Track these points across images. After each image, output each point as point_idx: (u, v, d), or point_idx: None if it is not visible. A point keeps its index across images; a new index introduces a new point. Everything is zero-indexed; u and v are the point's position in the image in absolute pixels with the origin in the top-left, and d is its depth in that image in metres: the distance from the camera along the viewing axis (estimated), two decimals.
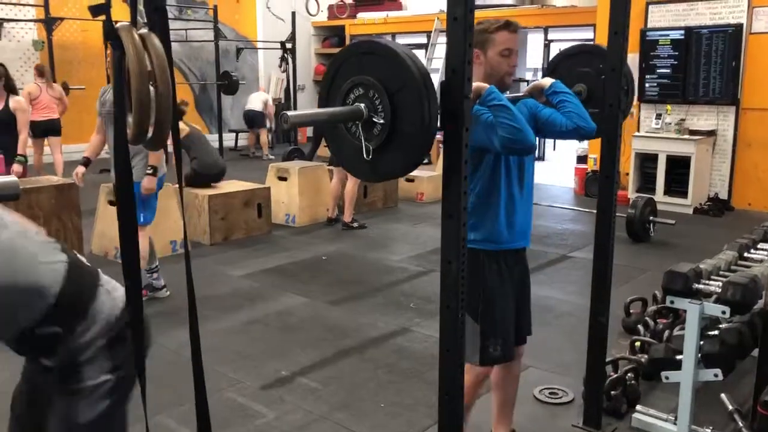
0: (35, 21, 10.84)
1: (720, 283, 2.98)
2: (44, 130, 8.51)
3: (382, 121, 1.83)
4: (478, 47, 2.51)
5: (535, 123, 2.64)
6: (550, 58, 12.48)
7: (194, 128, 6.82)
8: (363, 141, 1.84)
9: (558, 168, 11.75)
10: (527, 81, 13.02)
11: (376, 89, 1.83)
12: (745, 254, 3.64)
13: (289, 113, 1.68)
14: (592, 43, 3.20)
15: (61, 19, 10.43)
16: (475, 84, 2.32)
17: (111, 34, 1.26)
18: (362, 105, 1.86)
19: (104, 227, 6.02)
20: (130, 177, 1.50)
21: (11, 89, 6.09)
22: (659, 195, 8.00)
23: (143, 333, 1.62)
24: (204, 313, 2.02)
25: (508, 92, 2.68)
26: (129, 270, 1.54)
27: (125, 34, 1.27)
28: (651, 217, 6.69)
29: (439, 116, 1.91)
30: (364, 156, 1.86)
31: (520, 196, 2.63)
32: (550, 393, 3.50)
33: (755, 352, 3.10)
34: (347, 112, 1.87)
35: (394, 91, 1.83)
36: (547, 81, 2.71)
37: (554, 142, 14.40)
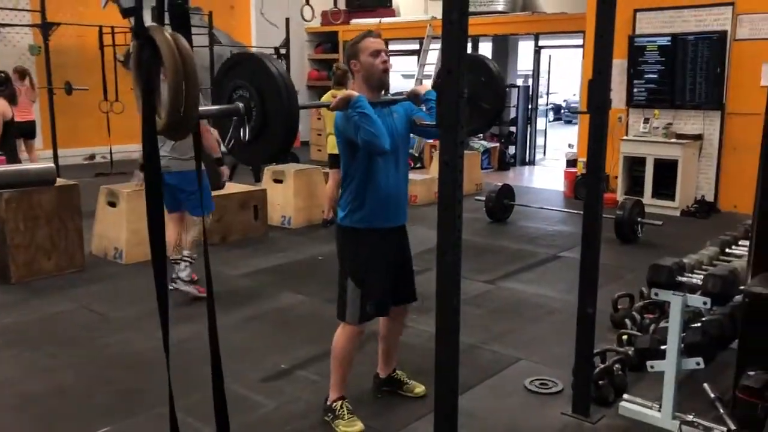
0: (31, 26, 10.91)
1: (702, 276, 3.13)
2: (22, 131, 8.69)
3: (247, 135, 2.17)
4: (353, 58, 3.04)
5: (409, 121, 3.18)
6: (541, 63, 12.64)
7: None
8: (230, 132, 2.20)
9: (548, 172, 11.94)
10: (518, 87, 13.22)
11: (255, 101, 2.15)
12: (727, 250, 3.80)
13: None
14: (476, 53, 3.56)
15: (58, 24, 10.50)
16: (348, 92, 2.91)
17: (142, 34, 1.39)
18: (241, 105, 2.17)
19: (104, 228, 6.13)
20: (159, 166, 1.63)
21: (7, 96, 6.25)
22: (647, 197, 8.16)
23: (167, 316, 1.73)
24: (203, 310, 2.15)
25: (389, 94, 3.25)
26: (155, 254, 1.67)
27: (159, 34, 1.40)
28: (639, 219, 6.85)
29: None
30: (223, 146, 2.23)
31: (395, 182, 3.09)
32: (540, 384, 3.63)
33: (736, 345, 3.24)
34: (226, 110, 2.20)
35: (269, 109, 2.16)
36: (424, 88, 3.20)
37: (545, 147, 14.61)
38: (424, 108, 3.18)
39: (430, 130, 3.12)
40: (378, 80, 3.06)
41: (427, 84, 3.33)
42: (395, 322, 3.43)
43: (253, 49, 14.15)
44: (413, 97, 3.19)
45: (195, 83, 1.45)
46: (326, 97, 7.26)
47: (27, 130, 8.82)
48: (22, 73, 8.89)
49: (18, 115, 8.73)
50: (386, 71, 3.06)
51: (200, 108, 1.86)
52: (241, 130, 2.18)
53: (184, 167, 4.73)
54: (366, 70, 3.03)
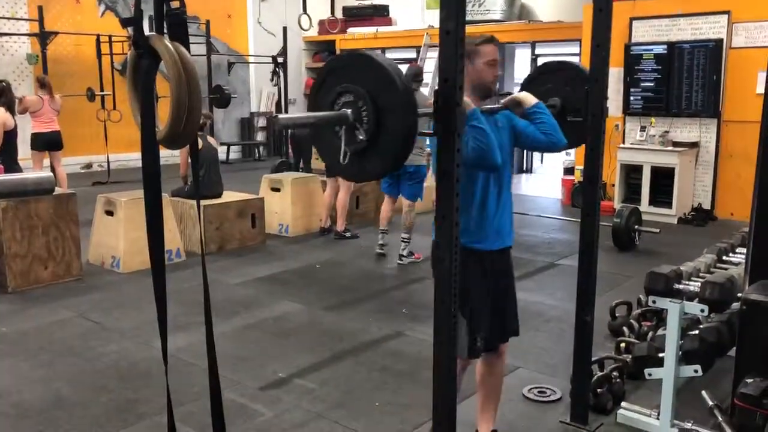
0: (29, 35, 10.94)
1: (699, 284, 3.14)
2: (47, 142, 8.44)
3: (362, 136, 1.94)
4: (468, 58, 2.61)
5: (513, 132, 2.89)
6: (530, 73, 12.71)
7: (208, 143, 6.78)
8: (343, 145, 1.95)
9: (545, 180, 11.96)
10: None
11: (365, 101, 1.92)
12: (724, 257, 3.81)
13: (280, 116, 1.80)
14: (565, 59, 3.47)
15: (56, 33, 10.52)
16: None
17: (142, 44, 1.39)
18: (349, 111, 1.96)
19: (101, 237, 6.12)
20: (158, 175, 1.63)
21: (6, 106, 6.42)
22: (644, 205, 8.17)
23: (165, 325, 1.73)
24: (201, 318, 2.15)
25: (488, 102, 2.89)
26: (155, 262, 1.67)
27: (160, 44, 1.40)
28: (636, 226, 6.86)
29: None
30: (341, 160, 1.99)
31: (497, 200, 2.86)
32: (538, 392, 3.63)
33: (733, 352, 3.23)
34: (334, 116, 1.98)
35: (381, 106, 1.93)
36: (531, 99, 2.91)
37: (541, 155, 14.63)
38: (532, 119, 2.90)
39: (541, 141, 2.89)
40: (487, 89, 2.80)
41: (527, 95, 2.96)
42: (494, 364, 3.04)
43: (251, 58, 14.22)
44: (513, 105, 2.92)
45: (198, 94, 1.45)
46: None
47: (52, 141, 8.50)
48: (43, 82, 8.57)
49: (42, 126, 8.46)
50: (495, 83, 2.82)
51: (299, 115, 1.75)
52: (355, 141, 1.95)
53: (410, 161, 5.56)
54: (478, 77, 2.75)
